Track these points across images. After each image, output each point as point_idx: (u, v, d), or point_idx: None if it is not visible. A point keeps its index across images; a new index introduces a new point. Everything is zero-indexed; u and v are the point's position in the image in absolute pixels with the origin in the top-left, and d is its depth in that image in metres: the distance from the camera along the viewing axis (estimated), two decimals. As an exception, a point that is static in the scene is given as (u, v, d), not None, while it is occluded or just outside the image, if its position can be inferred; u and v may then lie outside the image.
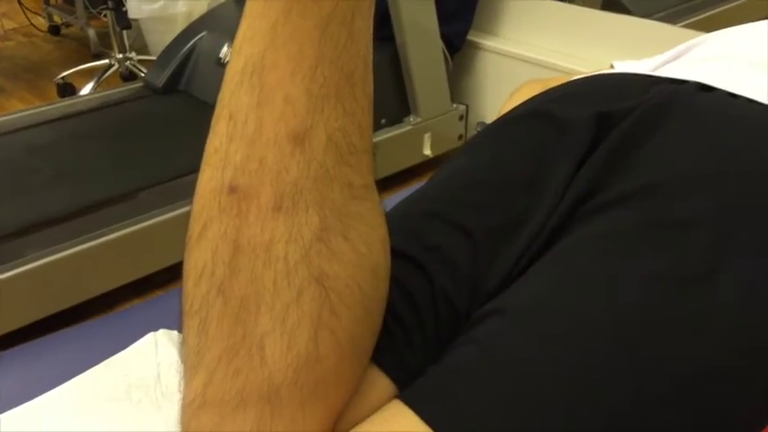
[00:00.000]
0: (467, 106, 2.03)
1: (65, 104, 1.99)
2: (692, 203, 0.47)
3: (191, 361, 0.40)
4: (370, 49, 0.41)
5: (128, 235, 1.41)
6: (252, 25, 0.38)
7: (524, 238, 0.50)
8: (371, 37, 0.41)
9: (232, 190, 0.38)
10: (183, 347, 0.41)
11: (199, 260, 0.39)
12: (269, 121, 0.38)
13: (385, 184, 1.82)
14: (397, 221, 0.49)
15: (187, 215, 0.41)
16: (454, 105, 2.00)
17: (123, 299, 1.47)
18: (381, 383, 0.44)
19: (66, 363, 0.56)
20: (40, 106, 1.97)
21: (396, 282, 0.45)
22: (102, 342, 0.58)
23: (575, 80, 0.67)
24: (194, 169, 0.40)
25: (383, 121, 1.86)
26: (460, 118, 2.02)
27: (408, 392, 0.42)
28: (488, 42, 2.00)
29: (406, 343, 0.46)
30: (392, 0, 1.70)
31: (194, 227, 0.40)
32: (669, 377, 0.40)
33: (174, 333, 0.56)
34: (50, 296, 1.36)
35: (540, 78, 1.02)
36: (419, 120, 1.90)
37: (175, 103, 1.97)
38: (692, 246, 0.45)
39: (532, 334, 0.43)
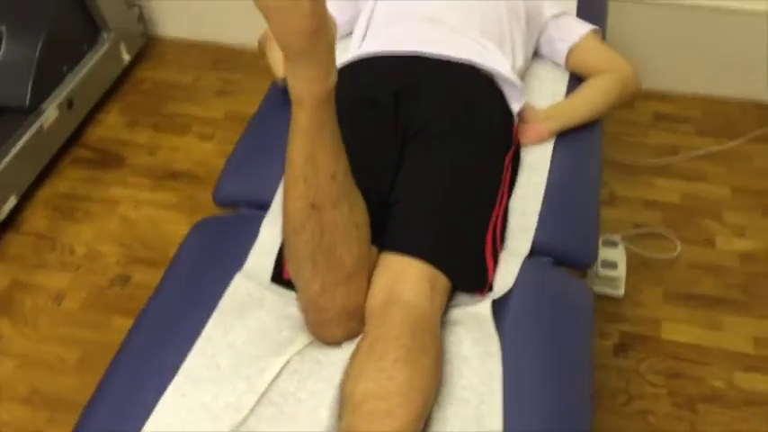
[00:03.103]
0: (140, 6, 2.33)
1: None
2: (439, 129, 1.12)
3: (308, 274, 0.93)
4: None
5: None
6: (301, 136, 0.87)
7: (391, 157, 1.10)
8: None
9: (312, 206, 0.90)
10: (301, 274, 0.94)
11: (306, 233, 0.91)
12: (321, 176, 0.89)
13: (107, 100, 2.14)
14: None
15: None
16: (131, 9, 2.28)
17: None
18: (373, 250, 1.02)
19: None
20: None
21: None
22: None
23: (356, 67, 1.23)
24: None
25: (85, 46, 2.11)
26: (139, 18, 2.32)
27: (384, 244, 1.02)
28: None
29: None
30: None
31: (295, 224, 0.91)
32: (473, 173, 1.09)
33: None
34: None
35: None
36: (112, 34, 2.18)
37: None
38: (448, 144, 1.10)
39: (408, 196, 1.05)
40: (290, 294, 1.06)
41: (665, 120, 2.15)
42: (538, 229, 1.16)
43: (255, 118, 1.41)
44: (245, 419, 0.91)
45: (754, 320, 1.64)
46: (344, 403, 0.88)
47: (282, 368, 0.96)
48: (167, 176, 2.02)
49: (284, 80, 1.35)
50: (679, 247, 1.79)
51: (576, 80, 1.42)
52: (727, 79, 2.15)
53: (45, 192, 1.98)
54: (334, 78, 0.84)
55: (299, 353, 0.99)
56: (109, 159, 2.08)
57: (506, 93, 1.22)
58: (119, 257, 1.81)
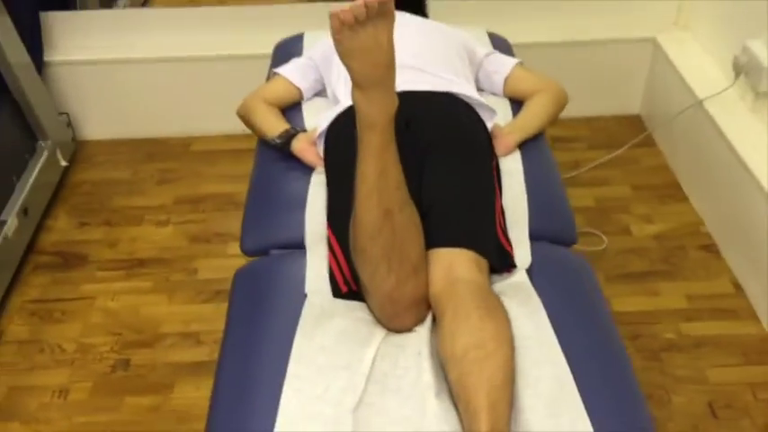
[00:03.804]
0: (67, 114, 2.42)
1: None
2: (445, 146, 1.35)
3: (384, 272, 1.12)
4: None
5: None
6: (374, 154, 1.07)
7: (416, 174, 1.30)
8: None
9: (385, 213, 1.09)
10: (377, 274, 1.12)
11: (381, 237, 1.10)
12: (391, 185, 1.09)
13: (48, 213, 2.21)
14: None
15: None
16: (60, 116, 2.37)
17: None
18: None
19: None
20: None
21: None
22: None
23: None
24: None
25: (27, 156, 2.17)
26: (68, 125, 2.41)
27: (428, 243, 1.21)
28: (61, 57, 2.38)
29: None
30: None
31: (373, 231, 1.10)
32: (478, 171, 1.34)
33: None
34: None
35: (255, 95, 1.68)
36: (48, 142, 2.25)
37: None
38: (456, 157, 1.34)
39: (438, 201, 1.27)
40: (354, 303, 1.23)
41: (561, 141, 2.52)
42: (530, 220, 1.41)
43: (255, 173, 1.58)
44: (360, 398, 1.06)
45: (682, 282, 1.97)
46: (447, 362, 1.05)
47: (374, 355, 1.12)
48: (135, 265, 2.10)
49: (279, 136, 1.55)
50: (605, 240, 2.11)
51: (516, 104, 1.72)
52: (602, 100, 2.58)
53: (15, 301, 1.99)
54: (396, 100, 1.06)
55: (382, 341, 1.15)
56: (71, 260, 2.12)
57: (481, 114, 1.48)
58: (111, 345, 1.86)
